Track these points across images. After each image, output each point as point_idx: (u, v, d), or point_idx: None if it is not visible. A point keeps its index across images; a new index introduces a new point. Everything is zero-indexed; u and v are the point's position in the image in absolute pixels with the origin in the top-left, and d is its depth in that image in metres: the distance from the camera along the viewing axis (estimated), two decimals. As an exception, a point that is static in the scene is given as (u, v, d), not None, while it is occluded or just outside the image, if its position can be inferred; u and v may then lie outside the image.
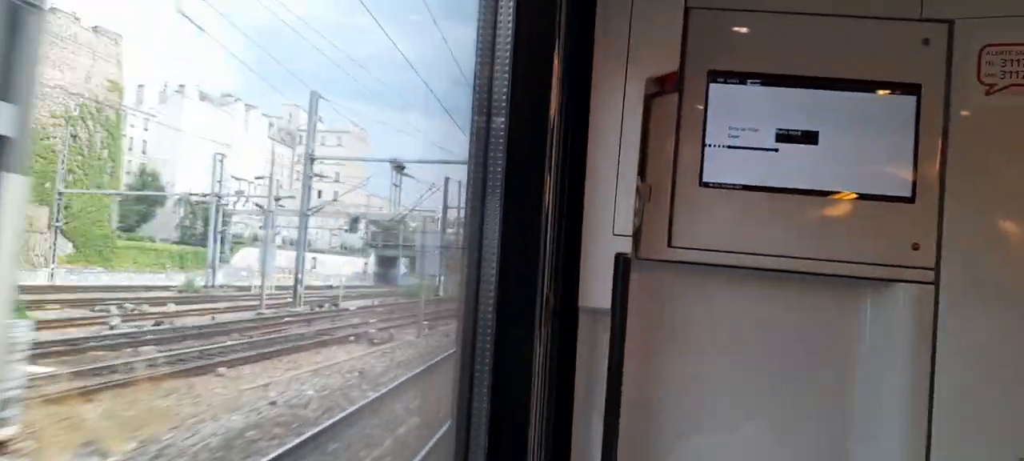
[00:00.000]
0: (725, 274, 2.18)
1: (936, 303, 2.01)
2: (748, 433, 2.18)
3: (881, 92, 2.08)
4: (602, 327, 2.01)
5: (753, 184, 2.10)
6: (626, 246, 1.99)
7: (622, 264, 1.97)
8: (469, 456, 1.57)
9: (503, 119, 1.59)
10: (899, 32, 2.07)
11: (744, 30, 2.14)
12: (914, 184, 2.04)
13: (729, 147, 2.11)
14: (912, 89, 2.05)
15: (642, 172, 2.05)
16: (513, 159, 1.58)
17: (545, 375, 1.95)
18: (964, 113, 2.03)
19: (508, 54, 1.59)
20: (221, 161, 30.50)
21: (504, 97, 1.58)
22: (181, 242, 34.00)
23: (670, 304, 2.20)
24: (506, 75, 1.59)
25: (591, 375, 2.05)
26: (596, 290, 1.99)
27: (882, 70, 2.07)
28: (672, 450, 2.20)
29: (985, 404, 2.00)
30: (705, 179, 2.11)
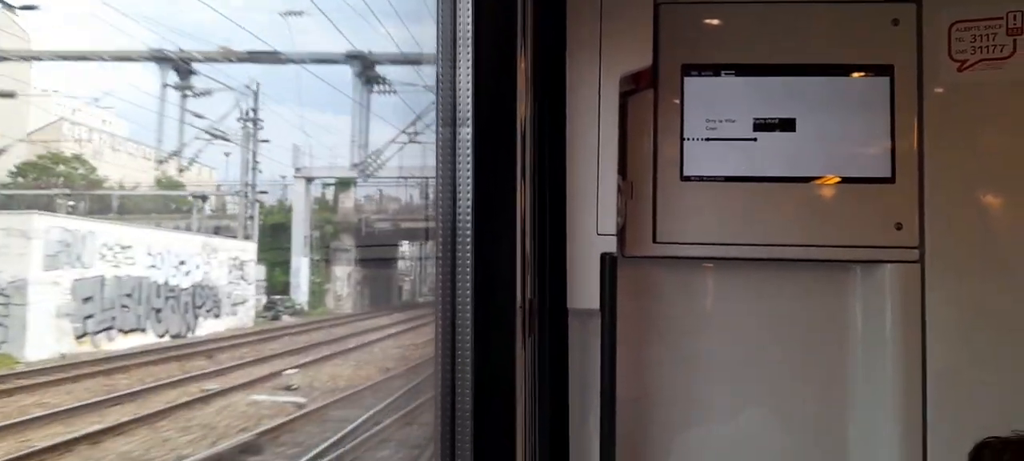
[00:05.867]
0: (712, 266, 2.18)
1: (922, 280, 2.01)
2: (745, 422, 2.18)
3: (855, 75, 2.08)
4: (592, 328, 2.01)
5: (734, 175, 2.10)
6: (611, 245, 1.99)
7: (608, 263, 1.97)
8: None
9: (468, 130, 1.58)
10: (868, 14, 2.07)
11: (715, 22, 2.14)
12: (893, 164, 2.04)
13: (708, 140, 2.11)
14: (885, 70, 2.05)
15: (622, 170, 2.05)
16: (481, 169, 1.58)
17: (536, 381, 1.94)
18: (937, 91, 2.03)
19: (470, 63, 1.58)
20: None
21: (468, 107, 1.57)
22: None
23: (659, 300, 2.20)
24: (469, 84, 1.58)
25: (584, 377, 2.05)
26: (584, 291, 1.98)
27: (854, 53, 2.07)
28: (670, 445, 2.19)
29: (978, 377, 2.00)
30: (686, 173, 2.11)
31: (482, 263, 1.59)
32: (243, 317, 23.52)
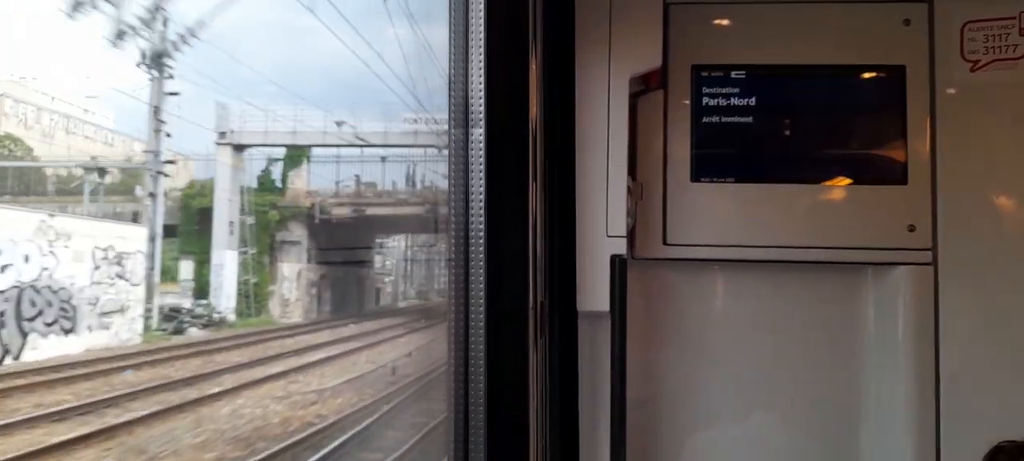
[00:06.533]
0: (722, 268, 2.17)
1: (936, 283, 2.00)
2: (756, 425, 2.17)
3: (866, 75, 2.08)
4: (602, 330, 2.00)
5: (744, 176, 2.09)
6: (621, 247, 1.98)
7: (618, 265, 1.97)
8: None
9: (481, 131, 1.58)
10: (879, 14, 2.06)
11: (725, 22, 2.14)
12: (905, 166, 2.03)
13: (718, 140, 2.10)
14: (896, 71, 2.04)
15: (632, 171, 2.04)
16: (493, 170, 1.58)
17: (547, 383, 1.93)
18: (950, 91, 2.02)
19: (482, 65, 1.58)
20: None
21: (480, 108, 1.57)
22: None
23: (669, 302, 2.19)
24: (481, 86, 1.58)
25: (595, 379, 2.04)
26: (594, 293, 1.98)
27: (865, 54, 2.06)
28: (681, 447, 2.18)
29: (992, 380, 1.99)
30: (696, 174, 2.10)
31: (494, 264, 1.58)
32: (121, 331, 16.80)
